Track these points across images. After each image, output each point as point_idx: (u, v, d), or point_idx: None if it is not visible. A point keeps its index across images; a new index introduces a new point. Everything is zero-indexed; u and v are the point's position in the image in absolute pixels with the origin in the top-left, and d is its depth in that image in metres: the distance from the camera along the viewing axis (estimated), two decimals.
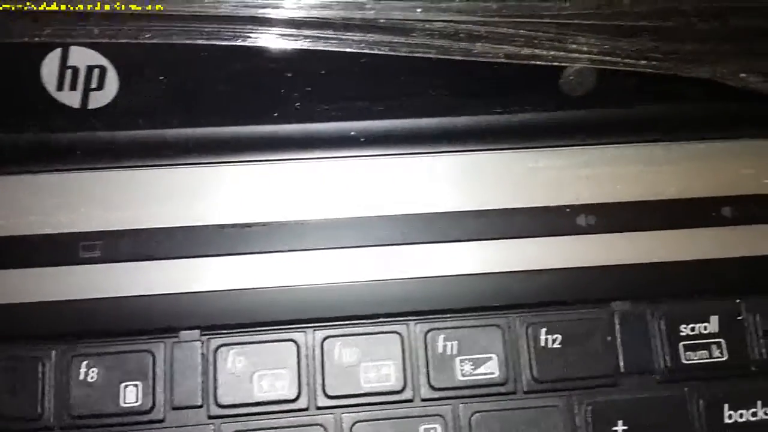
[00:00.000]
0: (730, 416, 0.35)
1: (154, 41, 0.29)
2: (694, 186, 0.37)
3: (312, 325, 0.34)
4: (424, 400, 0.34)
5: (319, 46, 0.31)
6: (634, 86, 0.34)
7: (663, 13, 0.32)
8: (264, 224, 0.35)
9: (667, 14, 0.32)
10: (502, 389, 0.34)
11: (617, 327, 0.35)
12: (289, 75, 0.31)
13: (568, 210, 0.36)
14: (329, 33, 0.31)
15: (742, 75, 0.34)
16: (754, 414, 0.35)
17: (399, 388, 0.34)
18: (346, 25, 0.31)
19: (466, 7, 0.30)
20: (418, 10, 0.30)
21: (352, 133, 0.34)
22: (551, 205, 0.36)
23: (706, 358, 0.35)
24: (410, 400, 0.34)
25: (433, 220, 0.35)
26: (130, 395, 0.33)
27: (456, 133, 0.35)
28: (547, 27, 0.31)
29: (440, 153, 0.36)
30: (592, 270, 0.36)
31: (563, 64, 0.33)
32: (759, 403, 0.35)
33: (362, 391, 0.34)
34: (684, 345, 0.35)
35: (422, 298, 0.35)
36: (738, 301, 0.36)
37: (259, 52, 0.30)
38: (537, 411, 0.34)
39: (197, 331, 0.34)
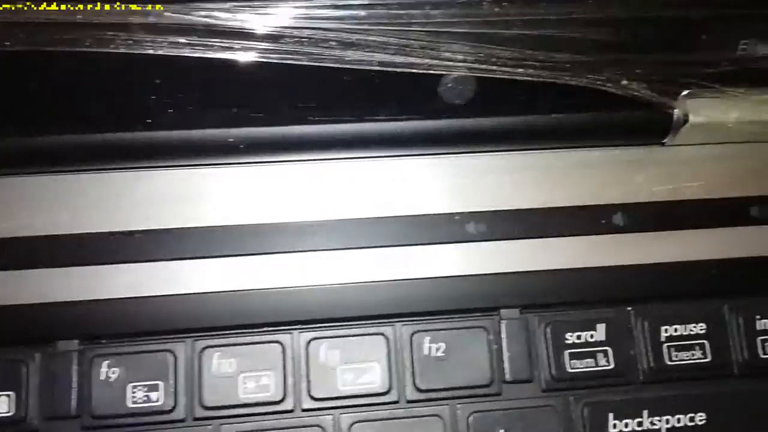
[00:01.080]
0: (614, 425, 0.34)
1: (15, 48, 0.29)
2: (584, 194, 0.36)
3: (191, 335, 0.34)
4: (304, 410, 0.34)
5: (184, 52, 0.30)
6: (518, 94, 0.34)
7: (539, 21, 0.32)
8: (139, 232, 0.34)
9: (543, 22, 0.31)
10: (384, 399, 0.34)
11: (503, 335, 0.35)
12: (142, 81, 0.31)
13: (457, 217, 0.36)
14: (194, 39, 0.30)
15: (624, 82, 0.34)
16: (640, 424, 0.35)
17: (278, 398, 0.33)
18: (211, 31, 0.30)
19: (333, 15, 0.30)
20: (287, 17, 0.30)
21: (230, 140, 0.33)
22: (440, 212, 0.36)
23: (592, 367, 0.35)
24: (290, 411, 0.33)
25: (316, 228, 0.35)
26: (2, 405, 0.32)
27: (338, 140, 0.34)
28: (418, 35, 0.31)
29: (321, 161, 0.35)
30: (481, 278, 0.35)
31: (439, 72, 0.32)
32: (645, 412, 0.35)
33: (240, 402, 0.33)
34: (570, 353, 0.35)
35: (305, 307, 0.34)
36: (629, 309, 0.36)
37: (122, 59, 0.30)
38: (419, 420, 0.34)
39: (75, 341, 0.33)
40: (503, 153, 0.37)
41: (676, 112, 0.35)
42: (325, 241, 0.34)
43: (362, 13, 0.30)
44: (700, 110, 0.35)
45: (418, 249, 0.35)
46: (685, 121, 0.35)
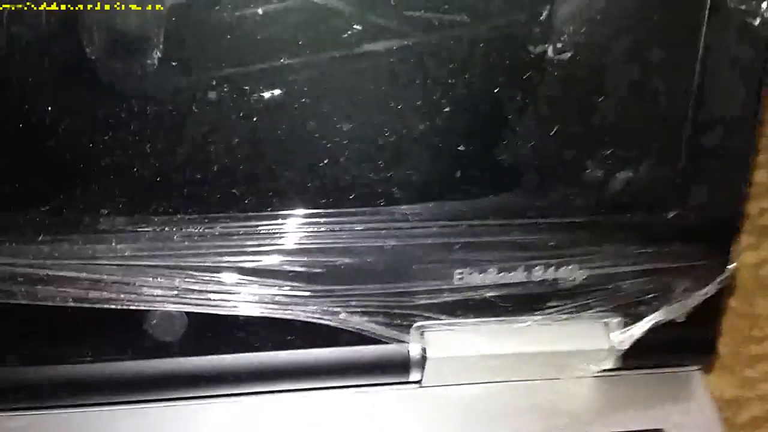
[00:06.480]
0: None
1: None
2: None
3: None
4: None
5: None
6: (242, 329, 0.31)
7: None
8: None
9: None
10: None
11: None
12: None
13: None
14: None
15: (343, 316, 0.30)
16: None
17: None
18: None
19: (17, 251, 0.28)
20: None
21: None
22: None
23: None
24: None
25: None
26: None
27: None
28: (111, 269, 0.29)
29: None
30: None
31: (141, 308, 0.30)
32: None
33: None
34: None
35: None
36: None
37: None
38: None
39: None
40: (241, 397, 0.33)
41: (411, 346, 0.32)
42: None
43: (46, 248, 0.28)
44: (436, 344, 0.32)
45: None
46: (424, 357, 0.32)
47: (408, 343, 0.32)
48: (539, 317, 0.32)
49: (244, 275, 0.30)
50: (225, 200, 0.29)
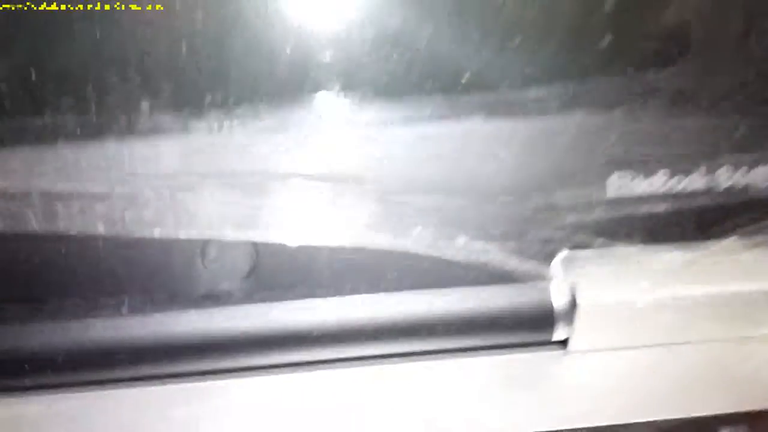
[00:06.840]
0: None
1: None
2: None
3: None
4: None
5: None
6: None
7: None
8: None
9: None
10: None
11: None
12: None
13: None
14: None
15: (460, 241, 0.23)
16: None
17: None
18: None
19: (32, 160, 0.21)
20: None
21: None
22: None
23: None
24: None
25: None
26: None
27: None
28: (152, 181, 0.22)
29: None
30: None
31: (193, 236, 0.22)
32: None
33: None
34: None
35: None
36: None
37: None
38: None
39: None
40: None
41: (554, 286, 0.23)
42: None
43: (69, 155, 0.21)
44: (589, 282, 0.23)
45: None
46: (574, 302, 0.23)
47: (550, 280, 0.23)
48: (726, 241, 0.23)
49: (325, 183, 0.22)
50: (300, 85, 0.22)
